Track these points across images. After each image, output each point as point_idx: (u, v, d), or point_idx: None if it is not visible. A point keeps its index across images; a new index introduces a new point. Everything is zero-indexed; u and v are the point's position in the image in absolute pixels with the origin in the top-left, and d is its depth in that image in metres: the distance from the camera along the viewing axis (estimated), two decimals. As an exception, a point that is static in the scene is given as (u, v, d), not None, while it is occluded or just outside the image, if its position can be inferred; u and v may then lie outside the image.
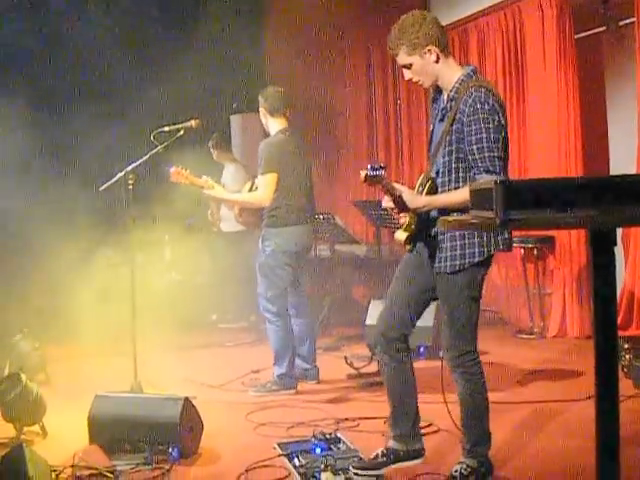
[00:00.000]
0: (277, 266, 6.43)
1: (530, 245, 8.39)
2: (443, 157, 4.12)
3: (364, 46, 11.43)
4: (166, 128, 6.27)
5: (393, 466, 4.53)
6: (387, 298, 4.50)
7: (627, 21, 7.93)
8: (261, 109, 6.55)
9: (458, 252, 4.10)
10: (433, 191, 4.15)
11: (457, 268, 4.10)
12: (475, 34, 9.59)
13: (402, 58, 4.17)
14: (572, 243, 8.24)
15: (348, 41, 11.43)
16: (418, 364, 4.95)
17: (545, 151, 8.50)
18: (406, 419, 4.52)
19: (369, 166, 3.86)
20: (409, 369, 4.50)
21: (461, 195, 3.87)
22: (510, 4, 8.96)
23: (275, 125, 6.54)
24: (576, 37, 8.31)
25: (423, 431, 4.79)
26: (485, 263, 4.14)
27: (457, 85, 4.10)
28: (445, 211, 4.01)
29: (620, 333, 7.05)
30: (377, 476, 4.45)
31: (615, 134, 8.65)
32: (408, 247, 4.32)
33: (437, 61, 4.13)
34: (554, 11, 8.25)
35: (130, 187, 6.11)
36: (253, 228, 6.86)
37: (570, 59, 8.17)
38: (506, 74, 9.04)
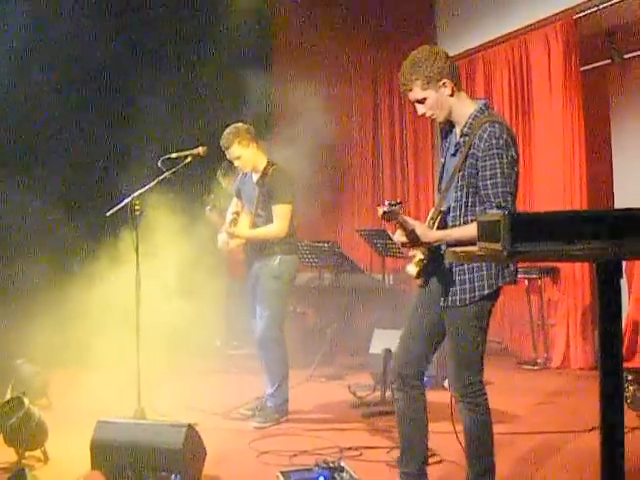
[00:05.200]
0: (288, 293, 6.47)
1: (534, 276, 8.41)
2: (455, 192, 4.11)
3: (371, 77, 11.51)
4: (173, 155, 6.30)
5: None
6: (401, 335, 4.48)
7: (633, 54, 8.00)
8: (243, 143, 6.35)
9: (467, 286, 4.09)
10: (444, 224, 4.15)
11: (467, 302, 4.10)
12: (482, 65, 9.66)
13: (416, 93, 4.16)
14: (576, 274, 8.25)
15: (355, 72, 11.51)
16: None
17: (550, 183, 8.53)
18: (415, 458, 4.47)
19: (386, 202, 3.87)
20: (423, 408, 4.46)
21: (473, 229, 3.86)
22: (516, 36, 9.03)
23: (262, 156, 6.49)
24: (582, 69, 8.37)
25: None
26: (493, 296, 4.14)
27: (470, 120, 4.11)
28: (456, 246, 4.01)
29: (624, 365, 7.04)
30: None
31: (620, 166, 8.68)
32: (419, 281, 4.31)
33: (452, 94, 4.13)
34: (560, 43, 8.31)
35: (137, 213, 6.14)
36: (238, 272, 6.73)
37: (576, 91, 8.21)
38: (512, 106, 9.10)
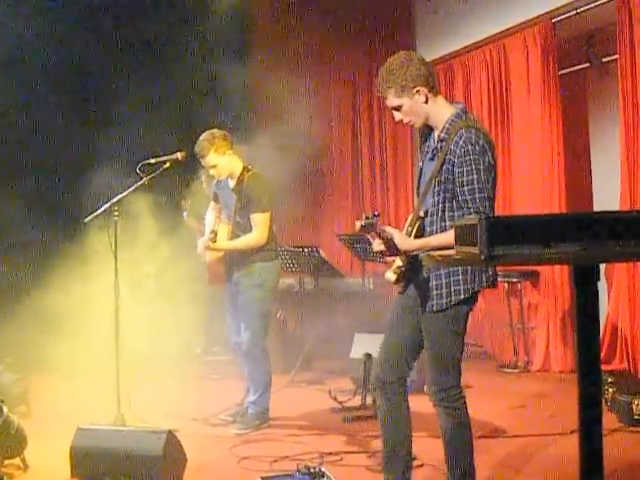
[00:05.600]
0: (271, 300, 6.43)
1: (514, 280, 8.43)
2: (432, 197, 4.12)
3: (350, 80, 11.51)
4: (152, 160, 6.27)
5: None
6: (383, 341, 4.48)
7: (610, 58, 8.03)
8: (219, 151, 6.22)
9: (444, 290, 4.10)
10: (422, 232, 4.16)
11: (444, 306, 4.10)
12: (460, 69, 9.69)
13: (391, 100, 4.17)
14: (556, 278, 8.28)
15: (333, 76, 11.49)
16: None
17: (529, 186, 8.56)
18: (399, 464, 4.46)
19: (363, 216, 3.88)
20: (405, 414, 4.46)
21: (452, 236, 3.86)
22: (495, 40, 9.06)
23: (238, 161, 6.37)
24: (560, 73, 8.40)
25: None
26: (470, 300, 4.14)
27: (447, 125, 4.11)
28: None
29: (603, 367, 7.07)
30: None
31: (598, 168, 8.72)
32: (399, 287, 4.32)
33: (426, 101, 4.13)
34: (538, 48, 8.34)
35: (115, 219, 6.12)
36: (221, 284, 6.65)
37: (554, 95, 8.25)
38: (491, 110, 9.13)
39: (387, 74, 4.14)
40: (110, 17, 9.90)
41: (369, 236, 4.04)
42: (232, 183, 6.38)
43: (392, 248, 4.06)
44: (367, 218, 3.86)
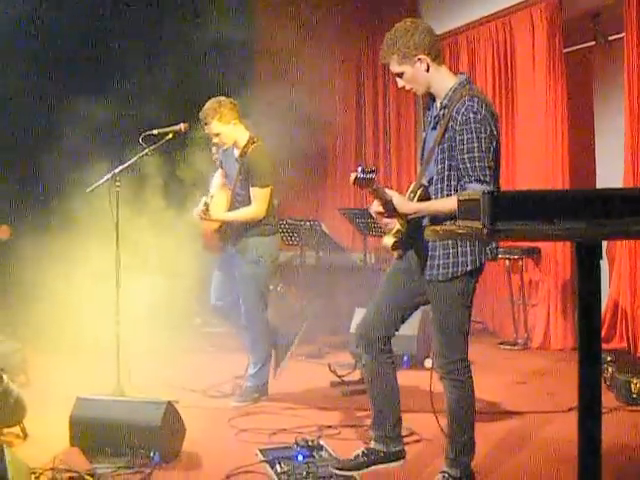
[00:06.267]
0: (268, 275, 6.40)
1: (515, 256, 8.41)
2: (435, 165, 4.12)
3: (355, 54, 11.45)
4: (155, 131, 6.24)
5: (373, 467, 4.55)
6: (372, 300, 4.50)
7: (616, 36, 7.98)
8: (224, 120, 6.14)
9: (451, 260, 4.10)
10: (424, 199, 4.14)
11: (450, 276, 4.10)
12: (465, 45, 9.63)
13: (394, 67, 4.18)
14: (557, 255, 8.28)
15: (338, 49, 11.42)
16: (402, 373, 4.94)
17: (532, 162, 8.54)
18: (388, 420, 4.53)
19: (359, 168, 3.86)
20: (391, 371, 4.51)
21: (452, 203, 3.83)
22: (501, 16, 9.00)
23: (244, 131, 6.28)
24: (566, 51, 8.35)
25: (405, 440, 4.80)
26: (477, 272, 4.15)
27: (450, 93, 4.11)
28: (436, 219, 4.01)
29: (603, 346, 7.07)
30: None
31: (602, 147, 8.69)
32: (396, 253, 4.31)
33: (427, 70, 4.13)
34: (544, 24, 8.28)
35: (117, 189, 6.10)
36: (216, 251, 6.60)
37: (559, 72, 8.20)
38: (496, 85, 9.08)
39: (391, 40, 4.14)
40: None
41: (369, 191, 4.00)
42: (237, 152, 6.32)
43: (391, 210, 4.06)
44: (364, 171, 3.85)
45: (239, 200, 6.29)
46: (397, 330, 4.50)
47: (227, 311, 6.51)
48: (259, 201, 6.20)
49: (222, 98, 6.23)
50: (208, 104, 6.19)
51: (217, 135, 6.21)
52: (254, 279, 6.30)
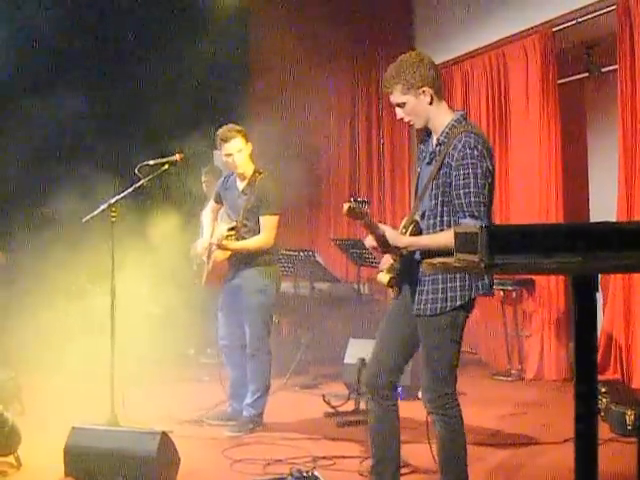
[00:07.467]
0: (273, 305, 6.44)
1: (509, 288, 8.43)
2: (429, 200, 4.14)
3: (349, 82, 11.46)
4: (151, 162, 6.26)
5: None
6: (374, 346, 4.48)
7: (610, 68, 8.04)
8: (245, 138, 6.26)
9: (439, 295, 4.10)
10: (416, 234, 4.17)
11: (438, 311, 4.10)
12: (460, 76, 9.69)
13: (396, 97, 4.21)
14: (551, 286, 8.29)
15: (333, 76, 11.43)
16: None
17: (527, 195, 8.57)
18: (388, 469, 4.47)
19: (352, 199, 3.89)
20: (395, 419, 4.47)
21: (444, 238, 3.87)
22: (495, 48, 9.07)
23: (251, 162, 6.37)
24: (559, 82, 8.41)
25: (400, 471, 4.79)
26: (466, 307, 4.14)
27: (447, 130, 4.13)
28: (428, 254, 4.02)
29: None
30: None
31: (596, 180, 8.73)
32: (392, 291, 4.32)
33: (431, 103, 4.16)
34: (538, 56, 8.35)
35: (112, 220, 6.11)
36: (218, 285, 6.63)
37: (553, 103, 8.26)
38: (489, 117, 9.13)
39: (396, 70, 4.17)
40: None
41: (361, 224, 4.02)
42: (241, 185, 6.36)
43: (384, 244, 4.08)
44: (356, 201, 3.87)
45: (245, 231, 6.29)
46: (402, 373, 4.48)
47: (231, 349, 6.55)
48: (269, 230, 6.26)
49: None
50: (228, 125, 6.27)
51: (239, 151, 6.22)
52: (260, 308, 6.34)
